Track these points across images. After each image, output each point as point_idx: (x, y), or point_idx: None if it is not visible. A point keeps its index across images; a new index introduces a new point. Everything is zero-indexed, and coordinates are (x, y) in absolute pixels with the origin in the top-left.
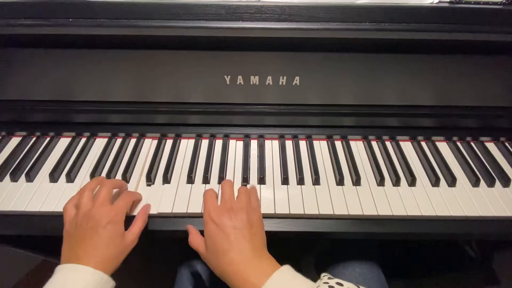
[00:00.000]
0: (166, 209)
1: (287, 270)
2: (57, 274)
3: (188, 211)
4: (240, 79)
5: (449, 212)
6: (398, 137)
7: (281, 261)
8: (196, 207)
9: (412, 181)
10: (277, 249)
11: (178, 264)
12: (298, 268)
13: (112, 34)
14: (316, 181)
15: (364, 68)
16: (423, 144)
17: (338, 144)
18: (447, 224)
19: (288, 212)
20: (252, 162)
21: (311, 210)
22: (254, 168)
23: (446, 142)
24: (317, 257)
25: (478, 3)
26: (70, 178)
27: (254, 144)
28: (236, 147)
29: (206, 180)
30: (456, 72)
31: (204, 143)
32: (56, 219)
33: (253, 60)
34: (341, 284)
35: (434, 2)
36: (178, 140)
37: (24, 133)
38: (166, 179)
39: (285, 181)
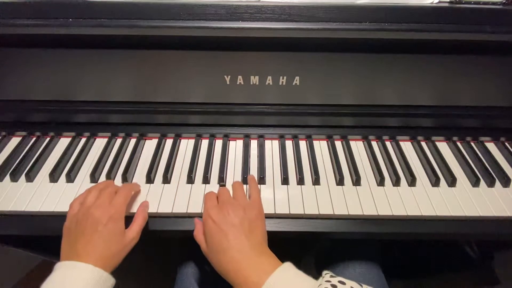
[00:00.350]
0: (166, 209)
1: (288, 268)
2: (56, 271)
3: (188, 211)
4: (240, 79)
5: (449, 212)
6: (398, 137)
7: (282, 261)
8: (196, 207)
9: (412, 181)
10: (277, 249)
11: (178, 264)
12: (298, 268)
13: (112, 34)
14: (316, 181)
15: (364, 68)
16: (423, 144)
17: (338, 144)
18: (447, 224)
19: (288, 212)
20: (252, 162)
21: (311, 210)
22: (254, 168)
23: (446, 142)
24: (317, 257)
25: (478, 3)
26: (70, 178)
27: (254, 144)
28: (236, 147)
29: (206, 180)
30: (456, 72)
31: (204, 143)
32: (56, 219)
33: (253, 60)
34: (343, 283)
35: (434, 2)
36: (178, 140)
37: (24, 133)
38: (166, 179)
39: (285, 181)
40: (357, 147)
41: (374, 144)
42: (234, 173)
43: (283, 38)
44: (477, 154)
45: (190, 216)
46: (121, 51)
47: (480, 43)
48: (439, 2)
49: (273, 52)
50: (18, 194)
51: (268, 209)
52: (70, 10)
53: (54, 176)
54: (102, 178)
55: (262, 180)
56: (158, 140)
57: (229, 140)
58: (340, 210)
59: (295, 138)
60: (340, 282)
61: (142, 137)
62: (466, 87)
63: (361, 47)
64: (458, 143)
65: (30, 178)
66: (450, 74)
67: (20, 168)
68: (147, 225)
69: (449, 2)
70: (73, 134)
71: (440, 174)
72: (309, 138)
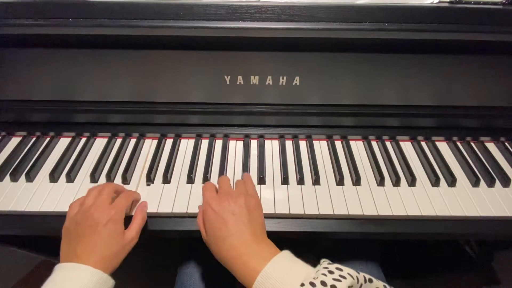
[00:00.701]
0: (166, 209)
1: (286, 255)
2: (56, 273)
3: (188, 211)
4: (240, 79)
5: (449, 212)
6: (398, 137)
7: None
8: (196, 207)
9: (412, 181)
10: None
11: (178, 264)
12: None
13: (112, 34)
14: (316, 181)
15: (364, 68)
16: (423, 144)
17: (338, 144)
18: (447, 224)
19: (288, 212)
20: (252, 162)
21: (311, 210)
22: (254, 168)
23: (446, 142)
24: (317, 257)
25: (478, 3)
26: (70, 178)
27: (254, 144)
28: (236, 147)
29: (206, 180)
30: (456, 72)
31: (204, 143)
32: (56, 219)
33: (253, 60)
34: (340, 269)
35: (434, 2)
36: (178, 140)
37: (24, 133)
38: (166, 179)
39: (285, 181)
40: (357, 147)
41: (374, 144)
42: (234, 173)
43: (283, 38)
44: (477, 154)
45: (190, 216)
46: (121, 51)
47: (480, 43)
48: (439, 2)
49: (273, 52)
50: (18, 194)
51: (268, 209)
52: (70, 10)
53: (54, 176)
54: (102, 178)
55: (262, 180)
56: (158, 140)
57: (229, 140)
58: (340, 210)
59: (295, 138)
60: (337, 268)
61: (142, 137)
62: (466, 87)
63: (361, 47)
64: (458, 143)
65: (30, 178)
66: (450, 74)
67: (20, 168)
68: (146, 225)
69: (449, 2)
70: (73, 134)
71: (440, 174)
72: (309, 138)
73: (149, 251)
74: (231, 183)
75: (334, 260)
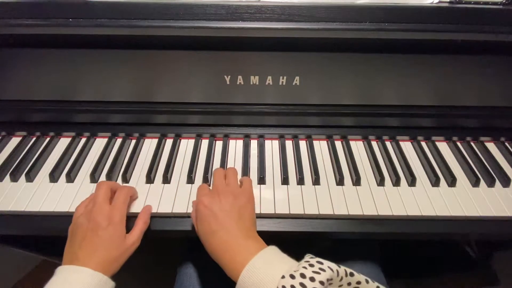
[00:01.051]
0: (166, 209)
1: (271, 250)
2: (57, 275)
3: (188, 211)
4: (240, 79)
5: (449, 212)
6: (398, 137)
7: None
8: None
9: (412, 181)
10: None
11: (178, 264)
12: None
13: (112, 34)
14: (316, 181)
15: (364, 68)
16: (423, 144)
17: (338, 144)
18: (447, 224)
19: (288, 212)
20: (252, 162)
21: (311, 210)
22: (254, 168)
23: (446, 142)
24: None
25: (478, 3)
26: (70, 178)
27: (254, 144)
28: (236, 147)
29: (206, 180)
30: (456, 72)
31: (204, 143)
32: (56, 219)
33: (253, 60)
34: (321, 263)
35: (434, 2)
36: (178, 140)
37: (24, 133)
38: (166, 179)
39: (285, 181)
40: (357, 147)
41: (374, 144)
42: None
43: (283, 38)
44: (477, 154)
45: (190, 216)
46: (121, 51)
47: (480, 43)
48: (439, 2)
49: (273, 52)
50: (18, 194)
51: (268, 209)
52: (70, 10)
53: (54, 176)
54: (102, 178)
55: (262, 180)
56: (158, 140)
57: (229, 140)
58: (340, 210)
59: (295, 138)
60: (318, 262)
61: (142, 137)
62: (466, 87)
63: (361, 47)
64: (458, 143)
65: (30, 178)
66: (450, 74)
67: (20, 168)
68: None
69: (449, 2)
70: (73, 134)
71: (440, 174)
72: (309, 138)
73: (149, 251)
74: (223, 172)
75: (334, 260)
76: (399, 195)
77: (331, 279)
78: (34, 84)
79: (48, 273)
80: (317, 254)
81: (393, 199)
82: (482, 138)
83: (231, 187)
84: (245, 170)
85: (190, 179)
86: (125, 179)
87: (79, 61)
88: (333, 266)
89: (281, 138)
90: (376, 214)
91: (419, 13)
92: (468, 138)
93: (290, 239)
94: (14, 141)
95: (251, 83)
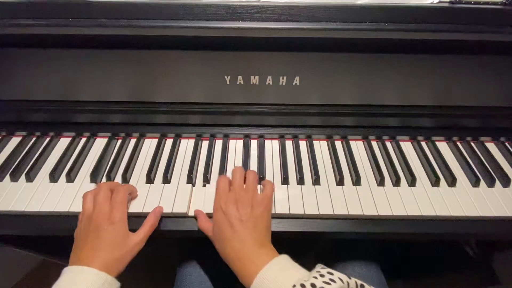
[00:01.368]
0: (166, 209)
1: (283, 259)
2: (63, 276)
3: (188, 211)
4: (240, 79)
5: (449, 212)
6: (398, 137)
7: None
8: (196, 207)
9: (412, 181)
10: (278, 249)
11: (178, 264)
12: None
13: (112, 34)
14: (316, 181)
15: (364, 68)
16: (423, 144)
17: (338, 144)
18: (447, 224)
19: (288, 212)
20: (252, 162)
21: (311, 210)
22: (254, 168)
23: (446, 142)
24: (317, 257)
25: (478, 3)
26: (70, 178)
27: (254, 144)
28: (236, 147)
29: (206, 180)
30: (456, 72)
31: (204, 143)
32: (56, 219)
33: (253, 60)
34: (331, 273)
35: (434, 2)
36: (178, 140)
37: (24, 133)
38: (166, 179)
39: (285, 181)
40: (357, 147)
41: (374, 144)
42: None
43: (283, 38)
44: (477, 154)
45: (190, 216)
46: (121, 51)
47: (480, 43)
48: (439, 2)
49: (273, 52)
50: (18, 194)
51: None
52: (70, 10)
53: (54, 176)
54: (102, 178)
55: (262, 180)
56: (158, 140)
57: (229, 140)
58: (340, 210)
59: (295, 138)
60: (329, 272)
61: (142, 137)
62: (466, 87)
63: (361, 47)
64: (458, 143)
65: (30, 178)
66: (450, 74)
67: (20, 168)
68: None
69: (449, 2)
70: (73, 134)
71: (440, 174)
72: (309, 138)
73: (149, 251)
74: (243, 170)
75: (334, 260)
76: (399, 195)
77: None
78: (34, 84)
79: (48, 273)
80: (317, 254)
81: (393, 199)
82: (482, 138)
83: (250, 194)
84: (245, 170)
85: (190, 179)
86: (125, 179)
87: (79, 61)
88: (344, 277)
89: (281, 138)
90: (376, 214)
91: (419, 13)
92: (468, 138)
93: (290, 239)
94: (14, 141)
95: (251, 83)
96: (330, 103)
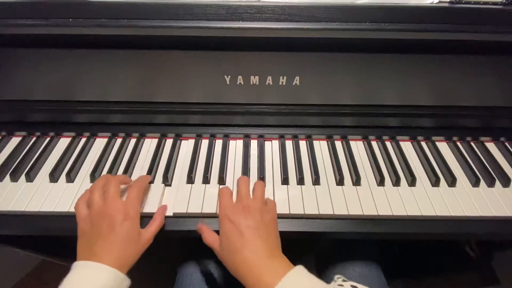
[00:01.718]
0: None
1: (300, 271)
2: (73, 271)
3: (188, 211)
4: (240, 79)
5: (449, 212)
6: (398, 137)
7: None
8: (196, 208)
9: (412, 181)
10: None
11: (178, 264)
12: None
13: (112, 34)
14: (316, 181)
15: (364, 68)
16: (423, 144)
17: (338, 144)
18: (447, 224)
19: (288, 212)
20: (252, 162)
21: (311, 210)
22: (254, 168)
23: (446, 142)
24: (317, 257)
25: (478, 3)
26: (70, 178)
27: (254, 144)
28: (236, 147)
29: (206, 180)
30: (456, 72)
31: (204, 143)
32: (56, 219)
33: (253, 60)
34: (355, 287)
35: (434, 2)
36: (178, 140)
37: (24, 133)
38: (166, 179)
39: (285, 181)
40: (357, 147)
41: (374, 144)
42: (234, 173)
43: (283, 38)
44: (477, 154)
45: (191, 216)
46: (121, 51)
47: (480, 43)
48: (439, 2)
49: (273, 52)
50: (18, 194)
51: None
52: (70, 10)
53: (54, 176)
54: None
55: (262, 180)
56: (158, 140)
57: (229, 140)
58: (340, 210)
59: (295, 138)
60: (352, 286)
61: (142, 137)
62: (466, 87)
63: (361, 47)
64: (458, 143)
65: (30, 178)
66: (450, 74)
67: (20, 168)
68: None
69: (449, 2)
70: (73, 134)
71: (440, 174)
72: (309, 138)
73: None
74: (248, 180)
75: (334, 260)
76: (399, 195)
77: None
78: (34, 84)
79: (48, 273)
80: (317, 254)
81: (393, 199)
82: (482, 138)
83: (258, 202)
84: (245, 170)
85: (190, 179)
86: None
87: (79, 61)
88: None
89: (281, 138)
90: (376, 214)
91: (419, 13)
92: (468, 138)
93: (290, 239)
94: (14, 141)
95: (251, 83)
96: (330, 103)
